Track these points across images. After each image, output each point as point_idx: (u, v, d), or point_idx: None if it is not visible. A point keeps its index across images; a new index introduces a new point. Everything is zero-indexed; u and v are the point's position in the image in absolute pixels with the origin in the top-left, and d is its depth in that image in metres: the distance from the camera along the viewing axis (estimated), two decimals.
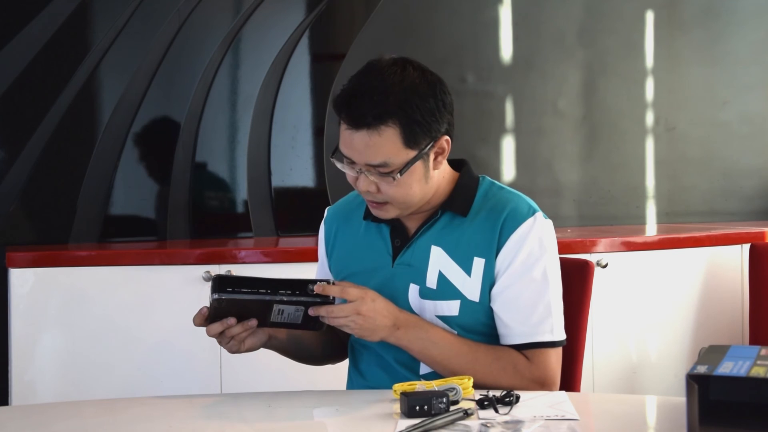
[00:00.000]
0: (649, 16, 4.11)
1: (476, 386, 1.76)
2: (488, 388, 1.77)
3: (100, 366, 3.03)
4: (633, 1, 4.10)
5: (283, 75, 3.71)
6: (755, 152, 4.20)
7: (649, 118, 4.11)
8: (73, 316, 3.04)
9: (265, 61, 3.70)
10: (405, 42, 3.83)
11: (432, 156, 1.86)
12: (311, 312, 1.79)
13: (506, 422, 1.55)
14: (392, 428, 1.56)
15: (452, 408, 1.60)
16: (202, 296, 2.87)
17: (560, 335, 1.91)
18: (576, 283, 2.13)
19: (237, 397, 1.89)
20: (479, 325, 1.91)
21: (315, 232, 2.14)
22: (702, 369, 1.43)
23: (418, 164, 1.84)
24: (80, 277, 3.06)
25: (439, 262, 1.90)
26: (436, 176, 1.90)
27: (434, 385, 1.69)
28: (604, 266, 3.24)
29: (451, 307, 1.89)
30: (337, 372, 2.18)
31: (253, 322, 1.81)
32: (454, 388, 1.68)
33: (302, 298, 1.78)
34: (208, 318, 1.80)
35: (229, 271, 3.07)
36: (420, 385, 1.69)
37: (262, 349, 1.91)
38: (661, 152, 4.11)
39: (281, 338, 1.94)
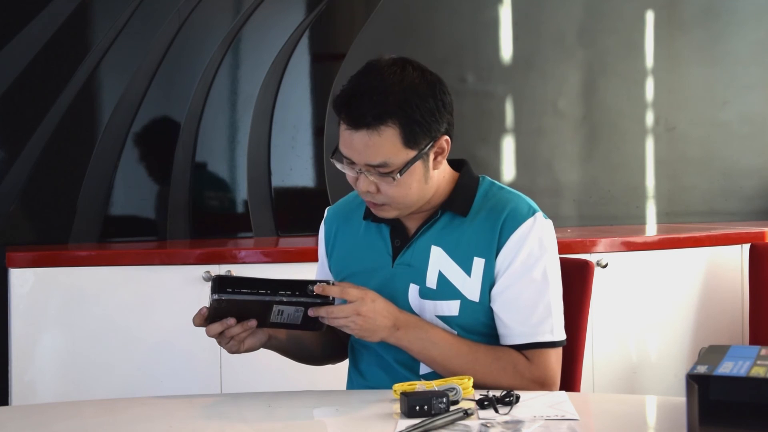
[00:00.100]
0: (649, 16, 4.11)
1: (476, 386, 1.76)
2: (488, 388, 1.77)
3: (100, 366, 3.03)
4: (633, 1, 4.10)
5: (283, 75, 3.71)
6: (755, 152, 4.20)
7: (649, 118, 4.11)
8: (73, 316, 3.04)
9: (265, 61, 3.70)
10: (405, 42, 3.83)
11: (432, 156, 1.86)
12: (311, 313, 1.79)
13: (506, 422, 1.55)
14: (392, 428, 1.56)
15: (452, 408, 1.60)
16: (202, 296, 2.87)
17: (560, 335, 1.91)
18: (576, 283, 2.13)
19: (237, 397, 1.89)
20: (479, 326, 1.91)
21: (315, 232, 2.14)
22: (702, 369, 1.43)
23: (418, 164, 1.84)
24: (80, 277, 3.06)
25: (439, 262, 1.90)
26: (436, 176, 1.90)
27: (434, 385, 1.69)
28: (604, 266, 3.24)
29: (451, 307, 1.89)
30: (337, 372, 2.18)
31: (253, 322, 1.81)
32: (454, 388, 1.68)
33: (302, 299, 1.78)
34: (208, 318, 1.80)
35: (229, 271, 3.07)
36: (420, 385, 1.69)
37: (262, 349, 1.91)
38: (661, 152, 4.11)
39: (281, 338, 1.94)
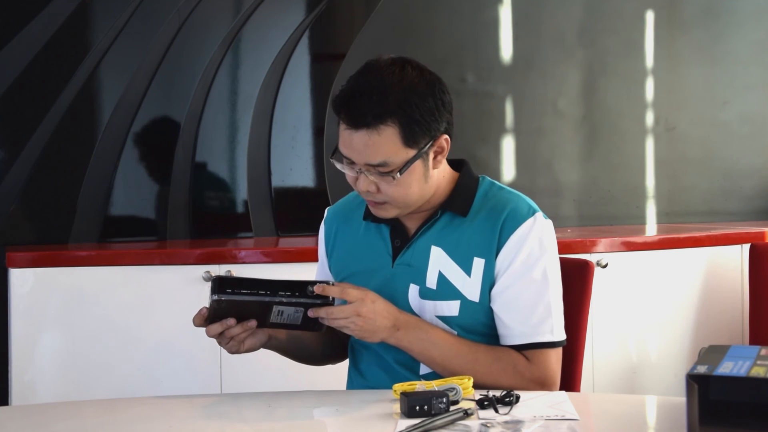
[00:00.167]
0: (649, 16, 4.11)
1: (476, 386, 1.76)
2: (488, 388, 1.77)
3: (100, 366, 3.03)
4: (633, 1, 4.10)
5: (283, 75, 3.71)
6: (755, 152, 4.20)
7: (649, 118, 4.11)
8: (73, 316, 3.04)
9: (265, 61, 3.70)
10: (405, 42, 3.83)
11: (431, 155, 1.86)
12: (311, 313, 1.79)
13: (506, 422, 1.55)
14: (392, 428, 1.56)
15: (452, 408, 1.60)
16: (202, 296, 2.87)
17: (560, 335, 1.91)
18: (576, 283, 2.13)
19: (237, 397, 1.89)
20: (479, 326, 1.91)
21: (315, 232, 2.14)
22: (702, 369, 1.43)
23: (418, 163, 1.84)
24: (80, 277, 3.06)
25: (439, 262, 1.90)
26: (436, 175, 1.90)
27: (434, 385, 1.69)
28: (604, 266, 3.24)
29: (451, 308, 1.89)
30: (337, 372, 2.18)
31: (253, 322, 1.81)
32: (454, 388, 1.67)
33: (302, 300, 1.78)
34: (208, 318, 1.80)
35: (229, 271, 3.07)
36: (420, 385, 1.69)
37: (262, 349, 1.91)
38: (661, 152, 4.11)
39: (281, 338, 1.94)
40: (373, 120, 1.78)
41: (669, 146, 4.12)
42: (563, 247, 2.10)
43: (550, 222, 1.93)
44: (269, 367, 2.74)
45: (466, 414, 1.58)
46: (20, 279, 3.02)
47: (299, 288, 1.78)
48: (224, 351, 1.86)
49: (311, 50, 3.79)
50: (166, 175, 3.61)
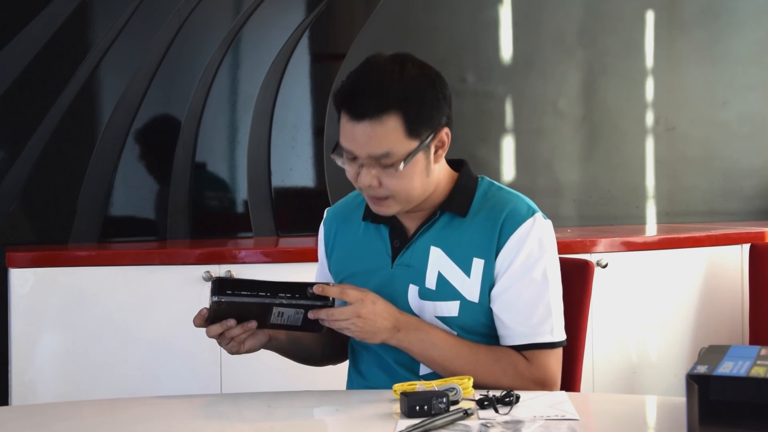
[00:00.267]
0: (649, 16, 4.11)
1: (476, 387, 1.76)
2: (489, 388, 1.77)
3: (100, 366, 3.03)
4: (633, 1, 4.10)
5: (283, 75, 3.71)
6: (755, 152, 4.21)
7: (649, 118, 4.11)
8: (73, 316, 3.04)
9: (265, 61, 3.70)
10: (405, 42, 3.83)
11: (433, 149, 1.86)
12: (311, 315, 1.79)
13: (506, 422, 1.55)
14: (392, 428, 1.56)
15: (452, 408, 1.60)
16: (202, 296, 2.87)
17: (560, 336, 1.91)
18: (576, 283, 2.13)
19: (237, 397, 1.89)
20: (479, 326, 1.91)
21: (315, 232, 2.14)
22: (702, 369, 1.43)
23: (420, 156, 1.84)
24: (80, 277, 3.06)
25: (439, 262, 1.90)
26: (437, 171, 1.90)
27: (434, 385, 1.69)
28: (604, 266, 3.24)
29: (451, 308, 1.89)
30: (337, 372, 2.18)
31: (253, 323, 1.81)
32: (454, 388, 1.67)
33: (302, 301, 1.78)
34: (208, 319, 1.80)
35: (229, 271, 3.07)
36: (420, 385, 1.69)
37: (262, 349, 1.91)
38: (661, 152, 4.11)
39: (281, 339, 1.94)
40: (376, 111, 1.78)
41: (669, 146, 4.12)
42: (563, 247, 2.10)
43: (549, 222, 1.93)
44: (269, 367, 2.73)
45: (466, 414, 1.58)
46: (20, 279, 3.02)
47: (299, 289, 1.78)
48: (224, 351, 1.86)
49: (311, 50, 3.79)
50: (166, 175, 3.61)
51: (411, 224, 1.95)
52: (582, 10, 4.06)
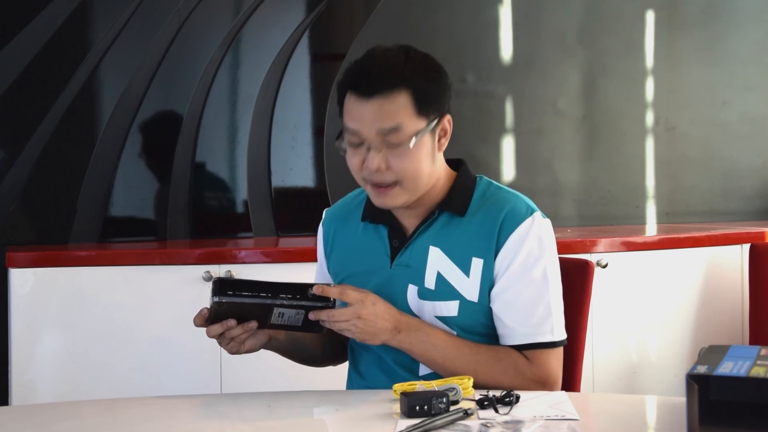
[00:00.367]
0: (649, 16, 4.11)
1: (476, 386, 1.76)
2: (489, 388, 1.77)
3: (100, 366, 3.03)
4: (633, 1, 4.10)
5: (283, 75, 3.71)
6: (755, 152, 4.21)
7: (649, 118, 4.11)
8: (73, 316, 3.04)
9: (265, 61, 3.70)
10: (405, 42, 3.76)
11: (437, 135, 1.87)
12: (311, 316, 1.79)
13: (506, 422, 1.55)
14: (392, 428, 1.56)
15: (452, 408, 1.60)
16: (202, 296, 2.86)
17: (561, 335, 1.91)
18: (576, 283, 2.13)
19: (237, 397, 1.89)
20: (478, 326, 1.91)
21: (315, 232, 2.14)
22: (702, 369, 1.43)
23: (427, 138, 1.84)
24: (80, 277, 3.06)
25: (438, 262, 1.90)
26: (439, 163, 1.90)
27: (434, 385, 1.69)
28: (604, 266, 3.24)
29: (450, 308, 1.89)
30: (337, 372, 2.18)
31: (253, 324, 1.81)
32: (454, 388, 1.67)
33: (302, 302, 1.78)
34: (208, 319, 1.80)
35: (229, 271, 3.07)
36: (420, 385, 1.69)
37: (262, 350, 1.91)
38: (661, 152, 4.11)
39: (281, 339, 1.94)
40: (387, 87, 1.81)
41: (669, 146, 4.12)
42: (563, 247, 2.10)
43: (548, 221, 1.93)
44: (269, 367, 2.73)
45: (466, 414, 1.58)
46: (20, 279, 3.02)
47: (300, 290, 1.78)
48: (224, 351, 1.86)
49: (311, 50, 3.79)
50: (166, 175, 3.61)
51: (410, 224, 1.95)
52: (582, 10, 4.06)
